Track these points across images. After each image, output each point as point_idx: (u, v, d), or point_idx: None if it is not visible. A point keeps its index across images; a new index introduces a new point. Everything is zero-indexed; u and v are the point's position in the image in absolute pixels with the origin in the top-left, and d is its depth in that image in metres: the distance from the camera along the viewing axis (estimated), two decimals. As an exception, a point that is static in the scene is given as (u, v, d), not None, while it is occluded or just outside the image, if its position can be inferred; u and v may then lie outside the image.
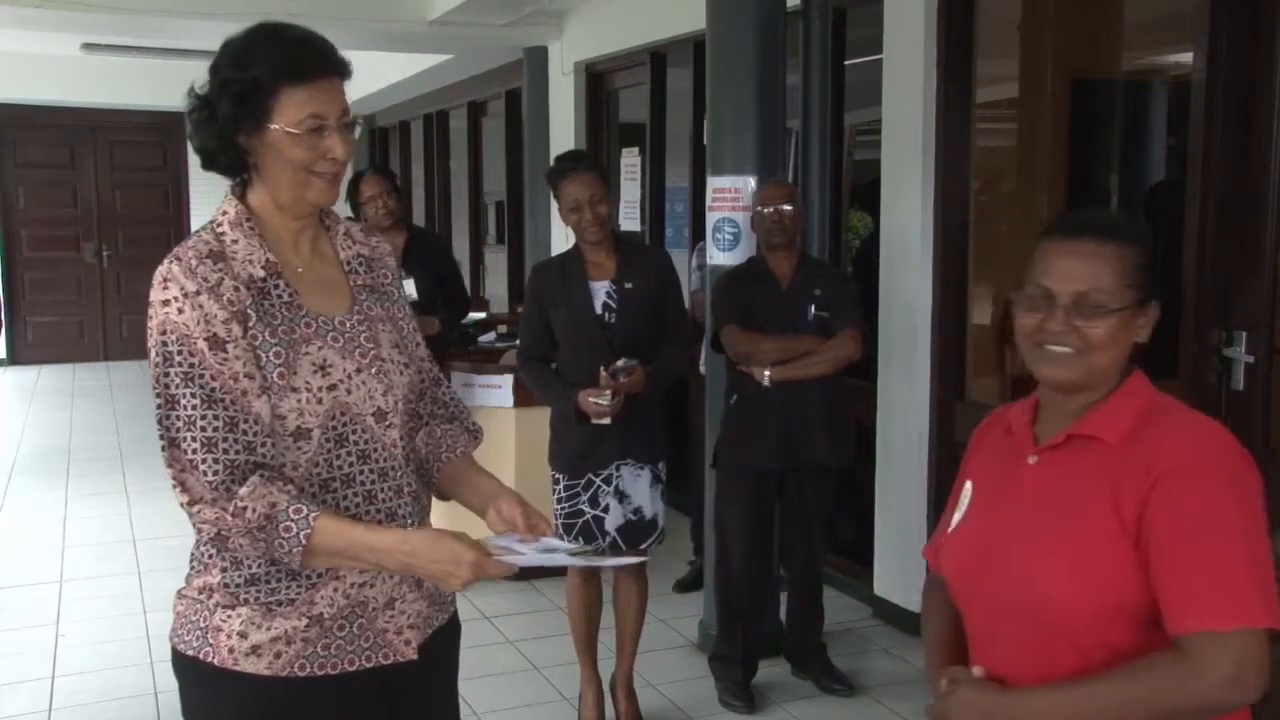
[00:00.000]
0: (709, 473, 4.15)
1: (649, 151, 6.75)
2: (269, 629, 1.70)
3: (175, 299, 1.66)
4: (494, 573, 1.68)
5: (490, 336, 5.77)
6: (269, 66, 1.69)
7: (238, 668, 1.69)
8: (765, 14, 4.04)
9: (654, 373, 3.49)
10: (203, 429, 1.64)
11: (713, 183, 4.16)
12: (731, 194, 4.08)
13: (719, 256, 4.14)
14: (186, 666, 1.76)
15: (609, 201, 3.54)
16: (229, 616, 1.71)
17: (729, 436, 3.92)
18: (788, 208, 3.83)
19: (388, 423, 1.78)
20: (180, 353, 1.65)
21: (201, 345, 1.65)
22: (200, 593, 1.75)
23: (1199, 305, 3.33)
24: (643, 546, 3.59)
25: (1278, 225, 3.18)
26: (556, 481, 3.61)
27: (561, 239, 7.67)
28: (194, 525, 1.70)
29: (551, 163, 3.65)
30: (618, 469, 3.56)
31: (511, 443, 4.95)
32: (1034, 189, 4.92)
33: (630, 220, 6.99)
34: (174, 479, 1.67)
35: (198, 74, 1.79)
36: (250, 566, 1.71)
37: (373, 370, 1.77)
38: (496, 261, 9.53)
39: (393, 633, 1.77)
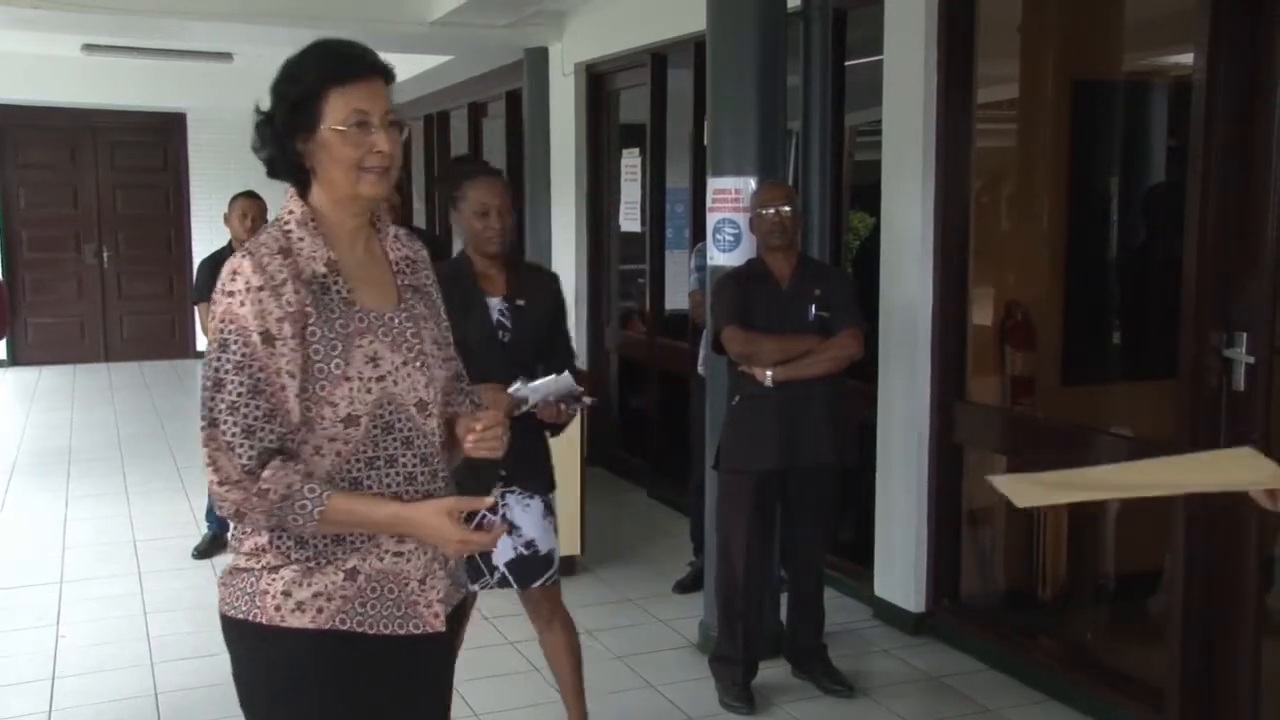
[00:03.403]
0: (709, 474, 4.15)
1: (649, 152, 6.75)
2: (309, 585, 1.86)
3: (240, 291, 1.81)
4: (480, 543, 1.98)
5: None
6: (316, 75, 1.88)
7: (284, 624, 1.85)
8: (766, 15, 4.04)
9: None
10: (244, 415, 1.80)
11: (713, 184, 4.16)
12: (732, 195, 4.08)
13: (719, 258, 4.14)
14: (235, 630, 1.91)
15: (512, 215, 3.33)
16: (274, 579, 1.86)
17: (731, 437, 3.91)
18: (787, 209, 3.83)
19: (428, 412, 1.94)
20: (235, 342, 1.80)
21: (255, 338, 1.80)
22: (250, 557, 1.88)
23: (1199, 306, 3.33)
24: (535, 585, 3.28)
25: (1278, 225, 3.18)
26: None
27: (563, 240, 7.69)
28: (215, 503, 1.86)
29: (448, 164, 3.44)
30: (504, 497, 3.22)
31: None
32: (1034, 190, 4.92)
33: (631, 221, 7.00)
34: (208, 457, 1.82)
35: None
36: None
37: (417, 364, 1.93)
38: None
39: (423, 605, 1.93)
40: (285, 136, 1.88)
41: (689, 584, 4.98)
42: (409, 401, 1.90)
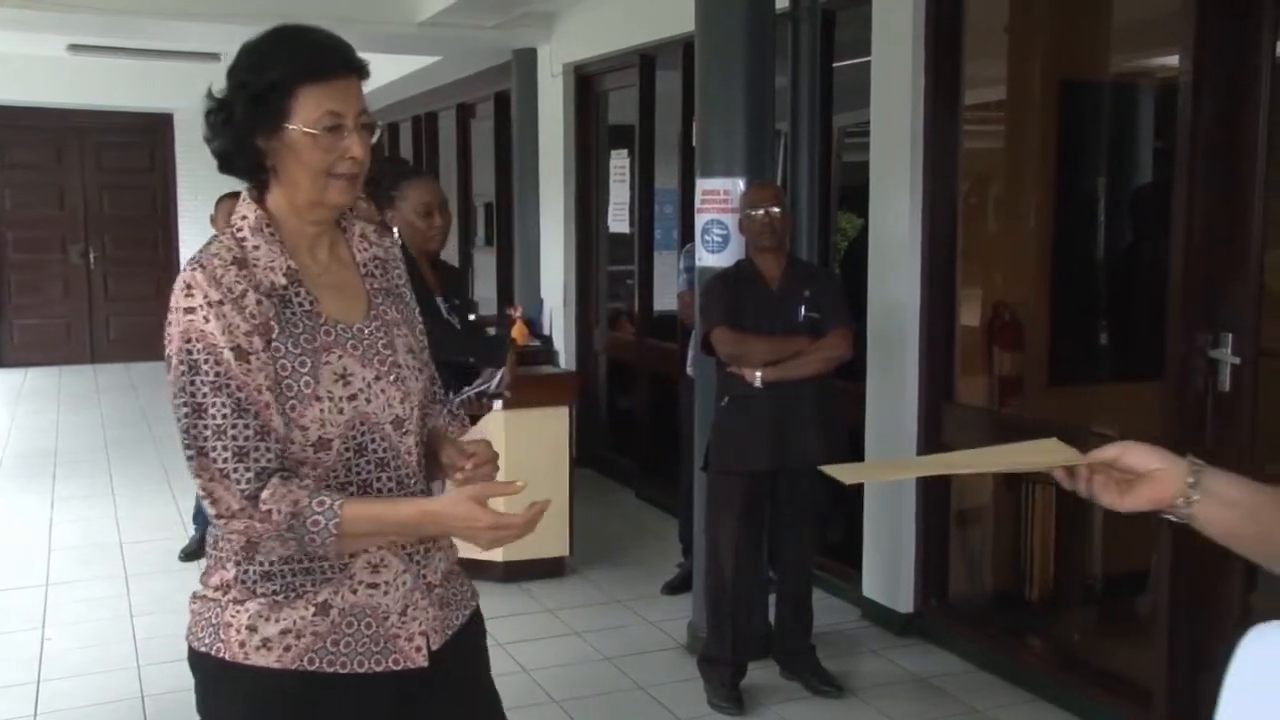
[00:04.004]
0: (698, 475, 4.14)
1: (638, 153, 6.75)
2: (277, 621, 1.70)
3: (200, 307, 1.65)
4: (515, 527, 1.69)
5: (479, 338, 5.76)
6: (286, 66, 1.69)
7: (249, 661, 1.70)
8: (754, 16, 4.04)
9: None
10: (234, 438, 1.64)
11: (701, 185, 4.16)
12: (720, 196, 4.08)
13: (708, 259, 4.14)
14: (200, 663, 1.77)
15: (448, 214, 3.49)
16: (239, 612, 1.71)
17: (720, 438, 3.91)
18: (776, 210, 3.84)
19: (404, 430, 1.78)
20: (207, 361, 1.64)
21: (228, 355, 1.64)
22: (217, 590, 1.75)
23: (1186, 307, 3.34)
24: None
25: (1264, 227, 3.19)
26: None
27: (551, 241, 7.68)
28: (224, 534, 1.71)
29: (382, 169, 3.55)
30: (444, 485, 3.44)
31: (503, 445, 4.92)
32: (1022, 191, 4.94)
33: (619, 222, 7.00)
34: (202, 488, 1.67)
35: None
36: (263, 563, 1.71)
37: (391, 378, 1.77)
38: (486, 263, 9.52)
39: (404, 639, 1.77)
40: (244, 130, 1.71)
41: (677, 585, 4.98)
42: (384, 420, 1.74)
